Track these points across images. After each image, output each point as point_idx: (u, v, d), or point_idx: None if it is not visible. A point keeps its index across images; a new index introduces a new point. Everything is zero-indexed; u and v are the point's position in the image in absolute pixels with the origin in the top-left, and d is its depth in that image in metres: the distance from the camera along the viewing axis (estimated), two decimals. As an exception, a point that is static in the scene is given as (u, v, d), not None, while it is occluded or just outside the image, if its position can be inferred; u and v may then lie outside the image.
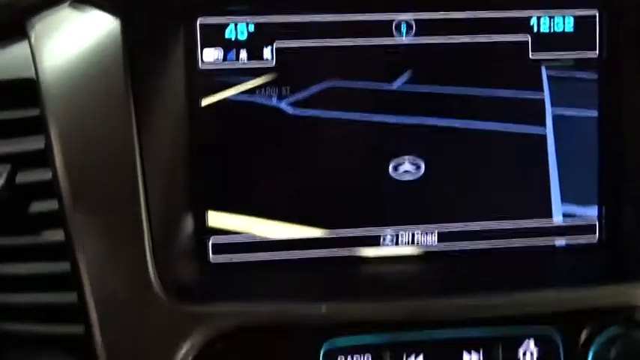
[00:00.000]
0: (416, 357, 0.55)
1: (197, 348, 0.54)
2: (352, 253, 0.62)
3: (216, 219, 0.61)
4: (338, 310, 0.55)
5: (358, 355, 0.55)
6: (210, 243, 0.61)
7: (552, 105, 0.62)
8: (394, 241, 0.62)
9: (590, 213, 0.63)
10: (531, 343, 0.56)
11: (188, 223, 0.60)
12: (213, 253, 0.61)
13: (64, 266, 0.57)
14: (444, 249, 0.62)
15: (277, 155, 0.61)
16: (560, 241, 0.63)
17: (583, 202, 0.63)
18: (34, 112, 0.58)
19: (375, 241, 0.62)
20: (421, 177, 0.62)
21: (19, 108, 0.59)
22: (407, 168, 0.62)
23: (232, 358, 0.54)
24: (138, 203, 0.56)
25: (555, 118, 0.62)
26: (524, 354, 0.56)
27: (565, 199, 0.63)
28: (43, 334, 0.58)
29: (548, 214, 0.63)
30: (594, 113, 0.63)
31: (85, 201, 0.56)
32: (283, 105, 0.61)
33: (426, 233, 0.62)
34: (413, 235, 0.62)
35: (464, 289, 0.57)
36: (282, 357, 0.54)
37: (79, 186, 0.56)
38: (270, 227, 0.61)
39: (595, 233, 0.63)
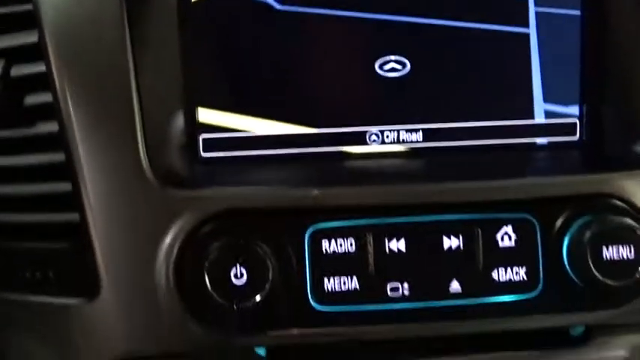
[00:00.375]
0: (397, 240, 0.57)
1: (185, 231, 0.56)
2: (339, 150, 0.64)
3: (206, 116, 0.63)
4: (324, 194, 0.57)
5: (342, 239, 0.57)
6: (201, 138, 0.63)
7: (535, 4, 0.63)
8: (380, 138, 0.64)
9: (572, 112, 0.65)
10: (509, 228, 0.58)
11: (179, 119, 0.61)
12: (203, 148, 0.63)
13: (58, 156, 0.59)
14: (429, 146, 0.64)
15: (265, 52, 0.62)
16: (541, 140, 0.65)
17: (565, 101, 0.65)
18: (27, 7, 0.59)
19: (361, 139, 0.64)
20: (406, 75, 0.63)
21: (13, 3, 0.60)
22: (393, 66, 0.63)
23: (219, 242, 0.55)
24: (130, 96, 0.58)
25: (538, 17, 0.63)
26: (502, 238, 0.58)
27: (547, 98, 0.64)
28: (38, 223, 0.60)
29: (530, 113, 0.64)
30: (577, 12, 0.64)
31: (78, 93, 0.58)
32: (271, 0, 0.62)
33: (411, 131, 0.64)
34: (398, 134, 0.64)
35: (445, 176, 0.59)
36: (268, 240, 0.56)
37: (72, 78, 0.58)
38: (258, 124, 0.63)
39: (576, 132, 0.65)
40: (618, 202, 0.58)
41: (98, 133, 0.57)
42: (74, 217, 0.58)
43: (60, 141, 0.58)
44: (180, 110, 0.61)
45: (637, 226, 0.56)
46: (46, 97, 0.59)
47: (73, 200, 0.58)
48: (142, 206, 0.57)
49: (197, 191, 0.57)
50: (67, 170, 0.58)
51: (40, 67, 0.59)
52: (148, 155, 0.57)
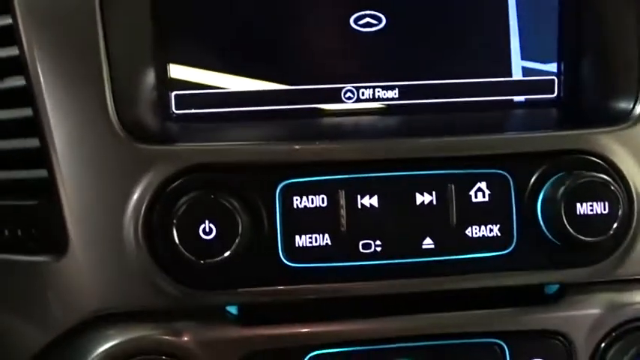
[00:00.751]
0: (370, 196, 0.56)
1: (154, 186, 0.55)
2: (314, 107, 0.63)
3: (178, 72, 0.62)
4: (296, 150, 0.56)
5: (314, 195, 0.56)
6: (173, 95, 0.62)
7: (513, -41, 0.62)
8: (355, 95, 0.63)
9: (550, 69, 0.64)
10: (483, 184, 0.57)
11: (150, 75, 0.60)
12: (175, 105, 0.62)
13: (26, 112, 0.57)
14: (405, 104, 0.63)
15: (239, 6, 0.61)
16: (519, 98, 0.64)
17: (543, 58, 0.64)
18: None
19: (336, 96, 0.63)
20: (382, 30, 0.62)
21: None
22: (368, 20, 0.62)
23: (188, 197, 0.54)
24: (97, 50, 0.57)
25: (516, -28, 0.62)
26: (476, 194, 0.57)
27: (525, 55, 0.63)
28: (6, 180, 0.59)
29: (508, 70, 0.64)
30: (555, -33, 0.63)
31: (45, 47, 0.57)
32: (244, -46, 0.61)
33: (387, 89, 0.63)
34: (374, 91, 0.63)
35: (419, 132, 0.58)
36: (238, 195, 0.55)
37: (39, 32, 0.57)
38: (232, 81, 0.62)
39: (554, 89, 0.64)
40: (593, 159, 0.57)
41: (65, 88, 0.56)
42: (43, 173, 0.57)
43: (27, 96, 0.57)
44: (150, 66, 0.60)
45: (611, 182, 0.56)
46: (12, 52, 0.57)
47: (41, 156, 0.57)
48: (111, 161, 0.56)
49: (167, 146, 0.56)
50: (35, 126, 0.57)
51: (7, 21, 0.57)
52: (117, 110, 0.56)
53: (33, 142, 0.57)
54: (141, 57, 0.60)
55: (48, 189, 0.57)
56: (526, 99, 0.64)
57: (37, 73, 0.56)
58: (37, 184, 0.58)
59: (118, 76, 0.57)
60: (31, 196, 0.58)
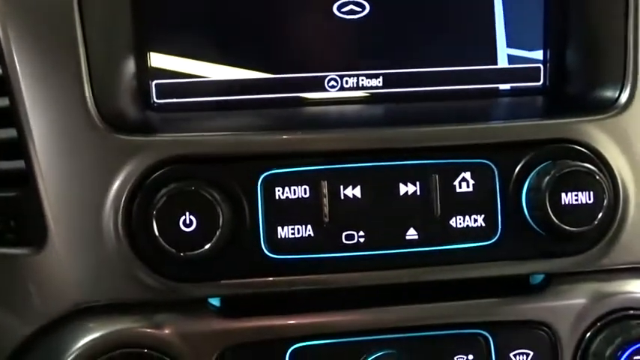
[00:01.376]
0: (353, 187, 0.56)
1: (134, 177, 0.54)
2: (297, 96, 0.62)
3: (159, 61, 0.61)
4: (278, 140, 0.55)
5: (296, 185, 0.55)
6: (153, 84, 0.61)
7: (499, -55, 0.62)
8: (339, 84, 0.62)
9: (536, 57, 0.63)
10: (468, 174, 0.56)
11: (129, 65, 0.59)
12: (156, 95, 0.61)
13: (3, 102, 0.56)
14: (390, 92, 0.62)
15: (220, -5, 0.60)
16: (504, 86, 0.63)
17: (528, 46, 0.63)
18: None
19: (320, 85, 0.62)
20: (366, 17, 0.61)
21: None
22: (351, 7, 0.61)
23: (167, 188, 0.53)
24: (75, 40, 0.56)
25: (502, -42, 0.62)
26: (460, 185, 0.56)
27: (510, 43, 0.63)
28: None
29: (494, 58, 0.63)
30: (541, -47, 0.62)
31: (21, 36, 0.56)
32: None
33: (372, 77, 0.62)
34: (358, 79, 0.62)
35: (402, 121, 0.58)
36: (219, 187, 0.54)
37: (16, 21, 0.56)
38: (214, 70, 0.61)
39: (540, 77, 0.63)
40: (579, 148, 0.57)
41: (43, 77, 0.56)
42: (21, 164, 0.56)
43: (4, 86, 0.56)
44: (130, 55, 0.59)
45: (597, 171, 0.55)
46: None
47: (19, 146, 0.56)
48: (90, 152, 0.55)
49: (147, 137, 0.55)
50: (12, 116, 0.56)
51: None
52: (95, 100, 0.56)
53: (10, 133, 0.56)
54: (120, 45, 0.59)
55: (26, 180, 0.56)
56: (512, 87, 0.63)
57: (14, 62, 0.55)
58: (16, 175, 0.57)
59: (96, 65, 0.56)
60: (9, 187, 0.57)
